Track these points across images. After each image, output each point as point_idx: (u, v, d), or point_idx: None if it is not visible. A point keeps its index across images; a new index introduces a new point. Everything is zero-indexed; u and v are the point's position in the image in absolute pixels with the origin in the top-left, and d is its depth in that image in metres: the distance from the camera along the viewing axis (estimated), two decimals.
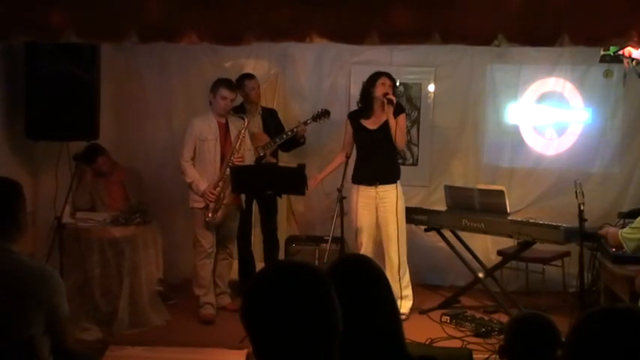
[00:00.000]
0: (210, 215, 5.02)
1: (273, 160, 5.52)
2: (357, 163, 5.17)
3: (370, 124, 5.12)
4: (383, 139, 5.02)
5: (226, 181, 5.00)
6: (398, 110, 5.09)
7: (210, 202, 5.01)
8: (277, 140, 5.49)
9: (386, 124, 5.00)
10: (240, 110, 5.48)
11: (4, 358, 2.39)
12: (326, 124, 5.67)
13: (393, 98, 4.97)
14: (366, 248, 5.10)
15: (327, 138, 5.96)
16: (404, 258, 5.12)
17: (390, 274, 5.04)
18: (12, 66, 5.19)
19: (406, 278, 5.17)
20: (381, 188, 5.06)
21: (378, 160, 5.07)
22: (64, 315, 2.52)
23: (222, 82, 5.08)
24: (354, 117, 5.21)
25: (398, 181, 5.13)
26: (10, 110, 5.23)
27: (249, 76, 5.59)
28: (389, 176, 5.09)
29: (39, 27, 4.03)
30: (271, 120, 5.66)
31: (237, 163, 5.01)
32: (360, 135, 5.13)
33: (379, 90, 5.02)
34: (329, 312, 1.52)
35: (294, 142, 5.62)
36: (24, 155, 5.45)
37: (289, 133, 5.50)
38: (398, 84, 5.99)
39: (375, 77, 5.08)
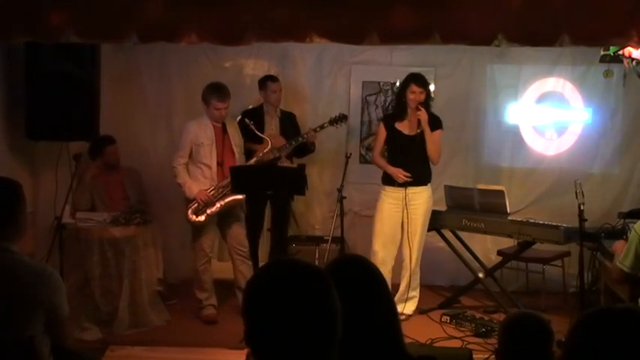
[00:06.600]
0: (189, 214, 5.00)
1: (288, 163, 5.47)
2: (390, 164, 5.11)
3: (405, 128, 5.09)
4: (418, 146, 5.00)
5: (227, 187, 4.99)
6: (435, 124, 5.08)
7: (202, 202, 4.98)
8: (293, 142, 5.46)
9: (422, 134, 4.99)
10: (259, 112, 5.53)
11: (4, 358, 2.39)
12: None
13: (423, 117, 4.92)
14: (381, 255, 5.04)
15: (327, 139, 5.95)
16: (419, 260, 5.15)
17: (405, 274, 5.13)
18: (12, 66, 5.19)
19: (417, 280, 5.20)
20: (411, 190, 5.05)
21: (411, 164, 5.02)
22: (63, 315, 2.51)
23: (213, 93, 4.99)
24: (388, 120, 5.18)
25: (429, 184, 5.15)
26: (10, 110, 5.23)
27: (273, 79, 5.61)
28: (420, 178, 5.08)
29: (39, 27, 4.04)
30: (289, 123, 5.68)
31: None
32: (395, 139, 5.10)
33: (410, 99, 4.99)
34: (330, 313, 1.51)
35: (305, 148, 5.61)
36: (24, 155, 5.45)
37: (305, 135, 5.48)
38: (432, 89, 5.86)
39: (405, 83, 5.06)
